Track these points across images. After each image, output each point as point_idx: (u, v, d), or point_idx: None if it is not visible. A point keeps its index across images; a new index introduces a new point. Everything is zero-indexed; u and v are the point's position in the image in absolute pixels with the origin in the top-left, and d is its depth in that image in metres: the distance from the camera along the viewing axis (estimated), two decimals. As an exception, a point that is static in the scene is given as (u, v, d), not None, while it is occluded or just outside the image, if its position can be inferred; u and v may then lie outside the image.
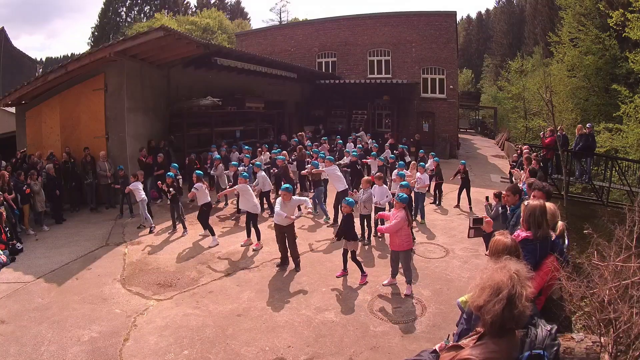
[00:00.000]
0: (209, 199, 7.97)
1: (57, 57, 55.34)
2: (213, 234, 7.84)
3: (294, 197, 6.70)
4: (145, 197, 8.59)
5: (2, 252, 6.91)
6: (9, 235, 7.38)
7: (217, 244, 7.66)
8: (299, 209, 8.67)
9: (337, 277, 6.27)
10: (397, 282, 5.94)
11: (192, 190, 7.73)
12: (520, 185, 6.50)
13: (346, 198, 6.43)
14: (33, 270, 6.57)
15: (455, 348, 1.68)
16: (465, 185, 10.35)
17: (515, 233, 3.16)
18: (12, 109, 11.31)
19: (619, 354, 2.65)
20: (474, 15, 53.26)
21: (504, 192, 5.76)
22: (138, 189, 8.49)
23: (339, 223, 6.39)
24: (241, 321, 5.08)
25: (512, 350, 1.60)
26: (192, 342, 4.63)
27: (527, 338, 1.70)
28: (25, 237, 8.11)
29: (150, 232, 8.35)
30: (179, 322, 5.05)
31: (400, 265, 5.79)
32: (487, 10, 51.47)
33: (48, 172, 9.01)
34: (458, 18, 25.36)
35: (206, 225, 7.83)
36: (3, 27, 35.09)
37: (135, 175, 8.73)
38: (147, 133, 11.02)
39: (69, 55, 51.77)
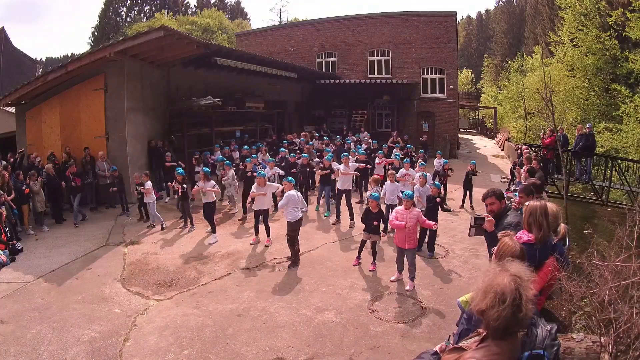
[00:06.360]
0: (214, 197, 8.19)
1: (57, 57, 55.50)
2: (214, 231, 8.00)
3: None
4: (154, 197, 8.76)
5: (2, 252, 6.90)
6: (9, 235, 7.38)
7: (217, 241, 7.75)
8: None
9: (353, 265, 6.60)
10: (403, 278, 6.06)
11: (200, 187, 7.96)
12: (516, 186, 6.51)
13: (372, 193, 6.61)
14: (33, 270, 6.56)
15: (457, 350, 1.68)
16: (468, 186, 10.42)
17: (516, 235, 3.14)
18: (12, 109, 11.29)
19: (619, 354, 2.65)
20: (474, 15, 53.60)
21: (518, 194, 5.56)
22: (151, 188, 8.66)
23: (366, 218, 6.39)
24: (241, 321, 5.08)
25: (514, 352, 1.61)
26: (192, 342, 4.63)
27: (527, 338, 1.71)
28: (25, 237, 8.10)
29: (162, 228, 8.54)
30: (179, 322, 5.05)
31: (406, 261, 5.96)
32: (487, 10, 51.74)
33: (48, 172, 9.01)
34: (458, 18, 25.37)
35: (211, 222, 8.05)
36: (3, 27, 35.08)
37: (146, 175, 8.90)
38: (147, 133, 11.02)
39: (69, 55, 51.83)
